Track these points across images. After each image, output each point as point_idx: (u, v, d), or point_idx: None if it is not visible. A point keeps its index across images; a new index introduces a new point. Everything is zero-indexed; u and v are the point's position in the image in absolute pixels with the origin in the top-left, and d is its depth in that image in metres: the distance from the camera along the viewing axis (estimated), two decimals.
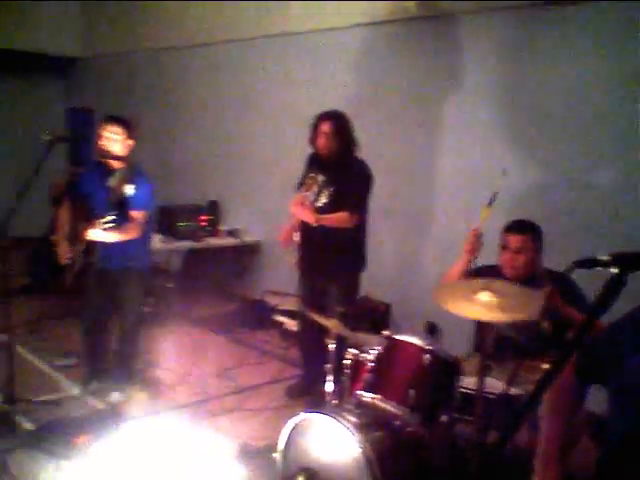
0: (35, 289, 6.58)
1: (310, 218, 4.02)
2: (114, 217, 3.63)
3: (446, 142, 5.15)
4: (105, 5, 9.03)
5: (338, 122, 4.06)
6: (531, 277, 3.13)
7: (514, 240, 3.17)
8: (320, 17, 6.00)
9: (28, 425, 3.67)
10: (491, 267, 3.30)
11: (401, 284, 5.46)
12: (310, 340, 4.20)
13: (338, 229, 4.02)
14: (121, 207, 3.83)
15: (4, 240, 3.65)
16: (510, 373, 2.63)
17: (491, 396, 2.68)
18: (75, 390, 4.24)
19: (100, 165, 4.01)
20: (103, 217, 3.64)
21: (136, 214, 3.90)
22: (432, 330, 4.52)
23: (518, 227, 3.22)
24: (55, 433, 3.50)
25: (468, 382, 2.82)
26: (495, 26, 4.81)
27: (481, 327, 2.96)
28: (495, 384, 2.72)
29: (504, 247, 3.22)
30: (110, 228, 3.62)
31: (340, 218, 4.00)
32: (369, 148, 4.66)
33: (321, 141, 4.07)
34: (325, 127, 4.04)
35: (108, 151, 3.89)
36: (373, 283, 4.91)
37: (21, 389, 3.89)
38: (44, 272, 6.44)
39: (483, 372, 2.57)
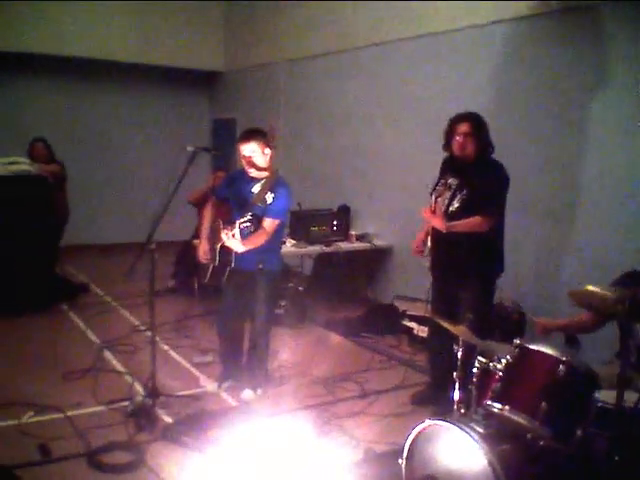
0: (179, 290, 7.02)
1: (441, 225, 3.91)
2: (250, 218, 3.79)
3: (591, 141, 4.86)
4: (244, 21, 9.50)
5: (474, 124, 3.92)
6: None
7: None
8: (457, 15, 5.91)
9: (167, 418, 3.89)
10: None
11: (538, 291, 5.20)
12: (439, 347, 4.10)
13: (471, 233, 3.89)
14: (258, 213, 3.97)
15: (151, 244, 3.89)
16: None
17: (631, 410, 2.47)
18: (211, 386, 4.43)
19: (244, 173, 4.17)
20: (241, 217, 3.83)
21: (269, 222, 4.02)
22: (571, 341, 4.25)
23: None
24: (191, 427, 3.68)
25: (607, 395, 2.63)
26: None
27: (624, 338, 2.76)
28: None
29: None
30: (245, 227, 3.77)
31: (472, 223, 3.86)
32: (509, 147, 4.49)
33: (456, 144, 3.95)
34: (460, 129, 3.92)
35: (249, 164, 4.06)
36: (508, 289, 4.73)
37: (162, 384, 4.14)
38: (187, 274, 6.84)
39: (623, 384, 2.38)
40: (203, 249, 4.26)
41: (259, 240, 3.98)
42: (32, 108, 9.10)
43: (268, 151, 4.10)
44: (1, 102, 8.92)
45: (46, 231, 6.40)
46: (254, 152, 4.03)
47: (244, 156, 4.05)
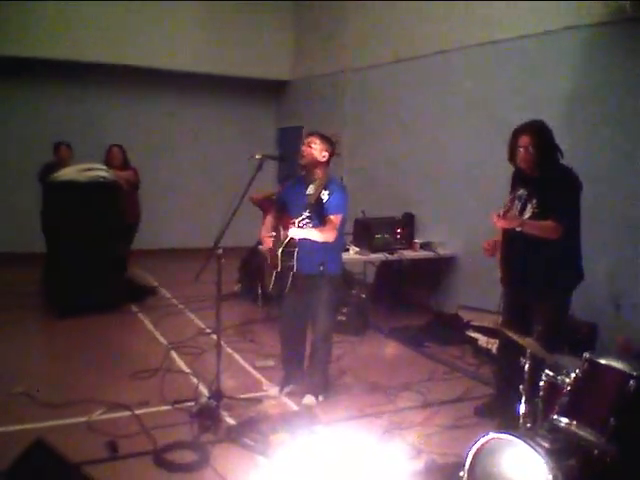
0: (243, 295, 7.14)
1: (514, 222, 3.77)
2: (308, 215, 3.90)
3: None
4: (311, 31, 9.64)
5: (535, 135, 3.82)
6: None
7: None
8: (527, 22, 5.82)
9: (231, 420, 3.96)
10: None
11: (611, 303, 5.02)
12: (507, 359, 3.99)
13: (543, 241, 3.75)
14: (316, 211, 4.08)
15: (218, 250, 3.97)
16: None
17: None
18: (273, 390, 4.48)
19: (301, 177, 4.34)
20: (299, 216, 3.95)
21: (333, 217, 4.13)
22: None
23: None
24: (253, 429, 3.74)
25: None
26: None
27: None
28: None
29: None
30: (304, 225, 3.84)
31: (545, 226, 3.72)
32: (583, 154, 4.40)
33: (520, 157, 3.87)
34: (522, 142, 3.84)
35: (305, 155, 4.21)
36: (578, 300, 4.59)
37: (226, 386, 4.21)
38: (251, 279, 6.95)
39: None
40: (267, 241, 4.35)
41: (329, 233, 4.08)
42: (109, 117, 9.52)
43: (326, 154, 4.24)
44: (80, 111, 9.35)
45: (118, 235, 6.64)
46: (315, 144, 4.20)
47: (304, 142, 4.23)
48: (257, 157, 4.18)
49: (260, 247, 5.30)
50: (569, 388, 2.75)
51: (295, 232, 3.98)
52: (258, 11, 9.84)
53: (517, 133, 3.90)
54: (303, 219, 3.86)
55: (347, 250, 6.21)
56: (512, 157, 3.95)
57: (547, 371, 2.96)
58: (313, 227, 3.97)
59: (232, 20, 9.70)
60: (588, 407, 2.67)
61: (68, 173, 6.42)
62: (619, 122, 5.02)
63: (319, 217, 4.09)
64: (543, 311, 3.83)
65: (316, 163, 4.21)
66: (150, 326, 6.02)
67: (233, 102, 10.57)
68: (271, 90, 10.77)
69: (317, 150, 4.20)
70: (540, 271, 3.84)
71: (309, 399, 4.30)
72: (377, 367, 5.13)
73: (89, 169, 6.48)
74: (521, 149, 3.85)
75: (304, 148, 4.23)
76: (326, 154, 4.23)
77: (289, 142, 10.18)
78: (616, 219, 5.05)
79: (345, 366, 5.03)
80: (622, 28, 4.98)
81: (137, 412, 3.99)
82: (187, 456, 3.45)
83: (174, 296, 7.18)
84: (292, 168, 8.55)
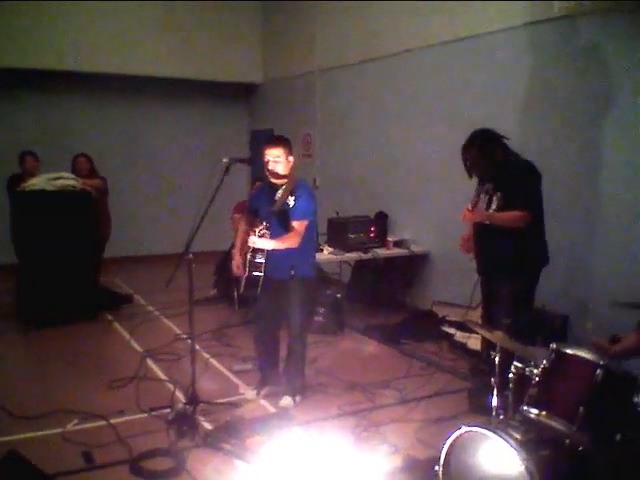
0: (220, 299, 7.11)
1: (481, 216, 4.02)
2: (266, 224, 3.88)
3: (618, 139, 4.81)
4: (280, 34, 9.64)
5: (476, 150, 4.03)
6: None
7: None
8: (491, 18, 5.88)
9: (208, 425, 3.94)
10: None
11: (578, 294, 5.11)
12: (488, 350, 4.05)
13: (506, 230, 3.93)
14: (282, 217, 4.08)
15: (188, 255, 3.95)
16: None
17: None
18: (250, 393, 4.46)
19: (269, 183, 4.30)
20: (260, 225, 3.93)
21: (296, 224, 4.10)
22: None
23: None
24: (231, 434, 3.72)
25: None
26: None
27: None
28: None
29: None
30: (263, 234, 3.83)
31: (512, 216, 3.92)
32: (542, 147, 4.54)
33: (472, 173, 4.09)
34: (465, 161, 4.06)
35: (273, 172, 4.16)
36: (549, 293, 4.66)
37: (203, 391, 4.20)
38: (227, 284, 6.92)
39: None
40: (236, 263, 4.35)
41: (291, 241, 4.06)
42: (77, 125, 9.41)
43: (291, 159, 4.22)
44: (47, 121, 9.22)
45: (90, 244, 6.57)
46: (279, 158, 4.14)
47: (268, 161, 4.15)
48: (224, 161, 4.15)
49: (234, 251, 5.29)
50: (538, 379, 2.78)
51: (254, 241, 3.96)
52: (226, 15, 9.80)
53: (461, 154, 4.10)
54: (262, 229, 3.85)
55: (321, 250, 6.22)
56: (469, 174, 4.13)
57: (516, 363, 2.98)
58: (272, 235, 3.94)
59: (201, 25, 9.65)
60: (557, 397, 2.70)
61: (37, 182, 6.34)
62: (579, 114, 5.11)
63: (283, 224, 4.07)
64: (507, 294, 3.98)
65: (284, 175, 4.18)
66: (125, 334, 5.97)
67: (205, 106, 10.52)
68: (242, 93, 10.74)
69: (283, 163, 4.15)
70: (502, 256, 4.03)
71: (286, 400, 4.30)
72: (354, 366, 5.14)
73: (58, 178, 6.41)
74: (470, 168, 4.08)
75: (270, 167, 4.14)
76: (292, 159, 4.21)
77: (262, 145, 10.14)
78: (583, 212, 5.12)
79: (322, 366, 5.04)
80: (581, 22, 5.07)
81: (113, 421, 3.96)
82: (164, 463, 3.43)
83: (149, 303, 7.13)
84: (263, 170, 8.57)
